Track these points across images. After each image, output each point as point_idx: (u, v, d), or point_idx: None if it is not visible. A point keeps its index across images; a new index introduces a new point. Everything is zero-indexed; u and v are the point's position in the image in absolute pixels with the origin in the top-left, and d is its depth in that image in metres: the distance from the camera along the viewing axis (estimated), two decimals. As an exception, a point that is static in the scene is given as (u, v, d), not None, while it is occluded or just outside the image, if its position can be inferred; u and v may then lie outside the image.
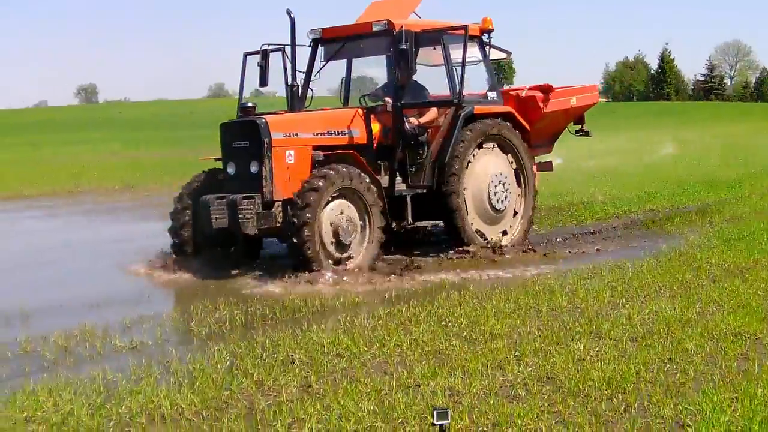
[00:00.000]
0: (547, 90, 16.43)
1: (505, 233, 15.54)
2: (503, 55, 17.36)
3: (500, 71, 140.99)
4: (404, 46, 13.89)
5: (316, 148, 13.87)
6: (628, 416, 6.79)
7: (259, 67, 15.17)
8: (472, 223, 14.95)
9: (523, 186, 15.89)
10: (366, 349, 8.85)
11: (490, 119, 15.24)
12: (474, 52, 15.52)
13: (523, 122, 15.81)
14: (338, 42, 15.56)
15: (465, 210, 14.74)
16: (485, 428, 6.62)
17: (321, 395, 7.43)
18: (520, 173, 15.83)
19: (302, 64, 15.50)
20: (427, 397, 7.27)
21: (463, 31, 14.63)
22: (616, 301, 10.68)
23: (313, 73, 15.71)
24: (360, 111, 14.77)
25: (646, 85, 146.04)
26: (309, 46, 15.74)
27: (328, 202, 13.12)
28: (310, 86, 15.73)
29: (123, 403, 7.28)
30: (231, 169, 13.73)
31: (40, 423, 6.92)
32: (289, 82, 15.16)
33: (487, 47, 15.86)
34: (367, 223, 13.62)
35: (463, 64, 14.60)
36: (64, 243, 16.00)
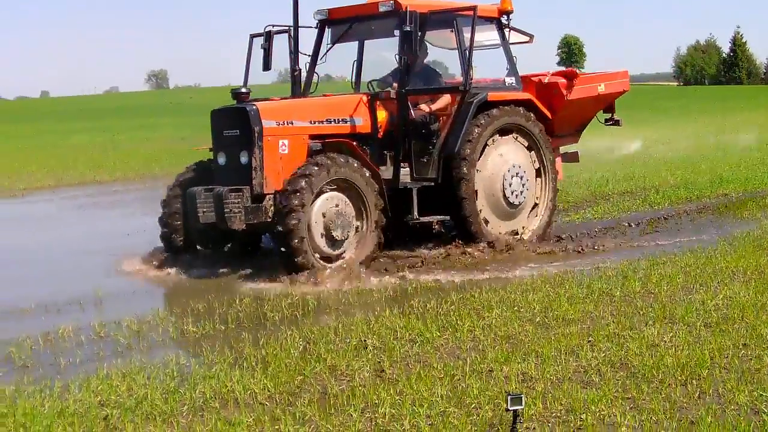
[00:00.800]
0: (571, 76, 15.50)
1: (520, 230, 14.61)
2: (525, 39, 15.95)
3: (570, 55, 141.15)
4: (408, 28, 12.95)
5: (313, 137, 13.05)
6: (702, 403, 6.70)
7: (262, 50, 14.43)
8: (485, 218, 14.03)
9: (543, 179, 14.92)
10: (438, 334, 8.82)
11: (509, 106, 14.29)
12: (492, 35, 14.85)
13: (545, 110, 14.90)
14: (346, 23, 14.66)
15: (474, 201, 13.76)
16: (558, 414, 6.57)
17: (394, 380, 7.43)
18: (540, 165, 14.87)
19: (308, 47, 14.82)
20: (501, 383, 7.24)
21: (472, 12, 13.74)
22: (690, 287, 10.53)
23: (320, 57, 14.83)
24: (364, 98, 13.79)
25: (717, 68, 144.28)
26: (315, 27, 14.86)
27: (321, 193, 12.30)
28: (316, 71, 14.82)
29: (196, 387, 7.34)
30: (221, 159, 12.97)
31: (114, 407, 6.98)
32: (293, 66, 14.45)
33: (507, 30, 14.86)
34: (365, 218, 12.76)
35: (471, 47, 13.70)
36: (139, 227, 16.06)
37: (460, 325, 9.09)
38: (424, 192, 13.71)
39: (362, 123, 13.58)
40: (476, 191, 13.82)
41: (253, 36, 14.59)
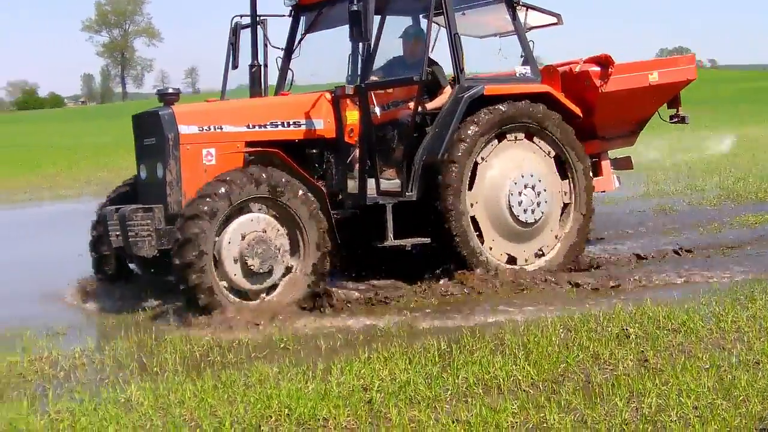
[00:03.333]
0: (605, 63, 12.67)
1: (540, 254, 11.91)
2: (550, 20, 13.28)
3: None
4: (356, 8, 10.53)
5: (252, 144, 10.90)
6: None
7: (229, 45, 12.53)
8: (487, 243, 11.49)
9: (571, 190, 12.13)
10: (702, 324, 8.56)
11: (520, 102, 11.63)
12: (499, 18, 12.43)
13: (571, 106, 12.14)
14: (320, 8, 12.42)
15: (463, 216, 11.19)
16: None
17: (658, 370, 7.23)
18: (568, 173, 12.09)
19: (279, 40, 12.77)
20: (769, 375, 6.95)
21: None
22: None
23: (294, 48, 12.71)
24: (328, 95, 11.34)
25: None
26: (289, 15, 12.71)
27: (235, 215, 10.13)
28: (290, 67, 12.71)
29: (458, 373, 7.35)
30: (143, 173, 11.10)
31: (377, 391, 7.05)
32: (256, 62, 12.28)
33: (520, 9, 12.36)
34: (302, 244, 10.42)
35: (429, 28, 11.39)
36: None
37: (723, 316, 8.79)
38: (403, 209, 11.23)
39: (323, 126, 11.26)
40: (471, 205, 11.38)
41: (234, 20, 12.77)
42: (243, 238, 10.02)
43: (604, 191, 13.57)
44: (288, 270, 10.33)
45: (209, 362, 8.29)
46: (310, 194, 10.35)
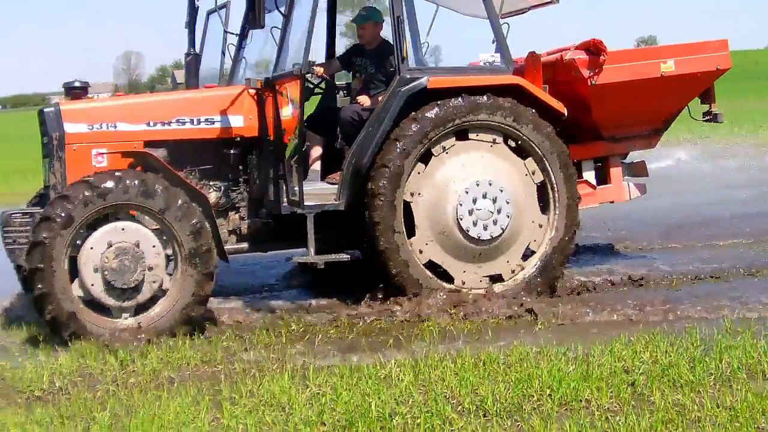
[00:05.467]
0: (595, 49, 10.57)
1: (497, 278, 10.13)
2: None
3: None
4: None
5: (154, 144, 9.74)
6: None
7: (187, 31, 11.04)
8: (433, 260, 9.94)
9: (551, 203, 10.28)
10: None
11: (481, 96, 9.89)
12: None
13: (549, 100, 10.25)
14: None
15: (395, 231, 9.69)
16: None
17: None
18: (546, 183, 10.28)
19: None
20: None
21: None
22: None
23: (247, 36, 11.11)
24: (251, 90, 9.94)
25: None
26: None
27: (103, 222, 8.98)
28: (243, 56, 11.14)
29: (722, 357, 7.24)
30: (44, 174, 10.11)
31: (639, 373, 7.02)
32: (192, 51, 11.02)
33: None
34: (180, 262, 9.09)
35: (313, 17, 9.65)
36: None
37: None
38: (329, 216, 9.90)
39: (243, 123, 9.97)
40: (402, 226, 9.79)
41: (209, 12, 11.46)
42: (109, 246, 8.90)
43: (612, 201, 11.59)
44: (161, 290, 9.11)
45: (466, 341, 8.43)
46: (192, 204, 9.11)
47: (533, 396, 6.63)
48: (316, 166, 10.50)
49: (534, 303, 9.66)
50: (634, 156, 11.96)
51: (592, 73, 10.51)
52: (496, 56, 10.20)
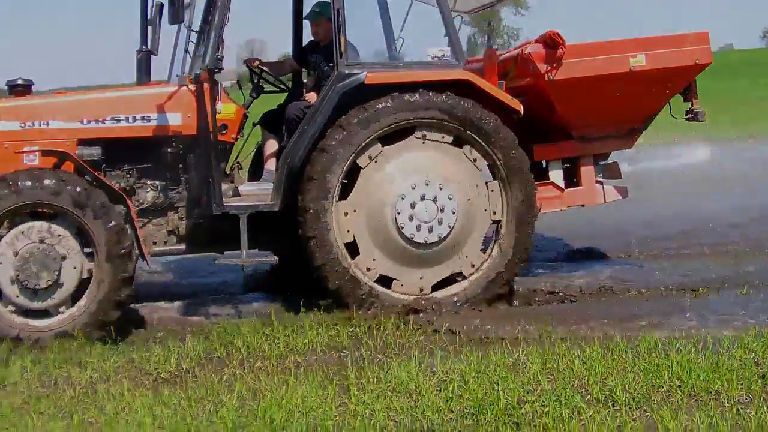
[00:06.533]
0: (552, 42, 9.99)
1: (439, 285, 9.78)
2: None
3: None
4: None
5: (88, 143, 9.49)
6: None
7: (149, 26, 10.27)
8: (364, 264, 9.59)
9: (501, 205, 9.85)
10: None
11: (426, 93, 9.52)
12: None
13: (501, 96, 9.77)
14: None
15: (331, 241, 9.38)
16: None
17: None
18: (498, 182, 9.83)
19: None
20: None
21: None
22: None
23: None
24: (191, 86, 9.58)
25: None
26: None
27: (13, 223, 8.84)
28: (188, 51, 10.51)
29: None
30: None
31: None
32: (145, 47, 10.39)
33: None
34: (97, 257, 8.87)
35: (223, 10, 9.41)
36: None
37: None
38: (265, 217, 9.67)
39: (181, 121, 9.61)
40: (346, 214, 9.57)
41: None
42: (16, 256, 8.73)
43: (583, 205, 10.93)
44: (82, 270, 8.90)
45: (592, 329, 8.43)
46: (112, 205, 8.96)
47: (662, 386, 6.60)
48: (270, 164, 10.29)
49: None
50: (614, 156, 11.21)
51: (549, 68, 9.97)
52: (445, 50, 9.89)
